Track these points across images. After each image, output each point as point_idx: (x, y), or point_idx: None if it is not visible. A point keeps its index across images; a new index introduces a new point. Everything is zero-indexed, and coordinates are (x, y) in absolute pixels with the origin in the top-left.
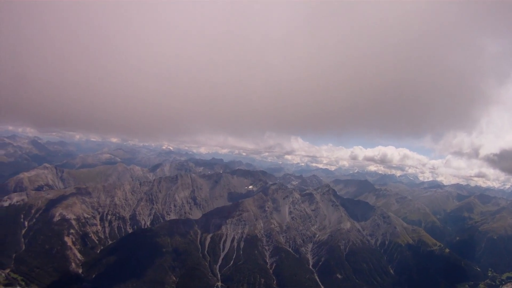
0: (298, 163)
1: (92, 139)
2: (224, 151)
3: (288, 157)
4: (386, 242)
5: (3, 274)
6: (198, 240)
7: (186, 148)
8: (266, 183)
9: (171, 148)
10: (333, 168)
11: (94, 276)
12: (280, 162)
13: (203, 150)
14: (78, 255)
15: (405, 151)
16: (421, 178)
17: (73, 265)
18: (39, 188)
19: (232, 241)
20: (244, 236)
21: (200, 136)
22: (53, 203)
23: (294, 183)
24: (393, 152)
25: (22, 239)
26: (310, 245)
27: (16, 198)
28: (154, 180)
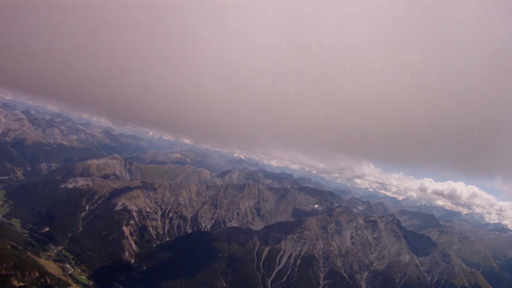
0: (366, 188)
1: (165, 137)
2: (295, 166)
3: (358, 180)
4: (442, 282)
5: (55, 250)
6: (256, 251)
7: (257, 158)
8: (332, 204)
9: (242, 156)
10: (400, 197)
11: (145, 268)
12: (349, 185)
13: (273, 162)
14: (134, 245)
15: (475, 189)
16: (486, 219)
17: (127, 254)
18: (105, 176)
19: (289, 257)
20: (302, 254)
21: (273, 149)
22: (117, 193)
23: (360, 208)
24: (463, 188)
25: (81, 222)
26: (365, 273)
27: (81, 182)
28: (221, 185)
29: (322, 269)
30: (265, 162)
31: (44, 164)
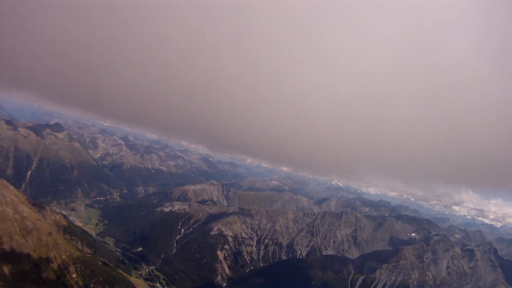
0: (464, 215)
1: (263, 165)
2: (393, 194)
3: (456, 207)
4: None
5: (146, 270)
6: (350, 280)
7: (355, 186)
8: (430, 233)
9: (341, 184)
10: (498, 224)
11: None
12: (447, 212)
13: (371, 190)
14: (227, 270)
15: None
16: None
17: (219, 278)
18: (202, 202)
19: (383, 286)
20: (396, 284)
21: (370, 177)
22: (213, 218)
23: (457, 236)
24: None
25: (175, 244)
26: None
27: (178, 206)
28: (318, 213)
29: None
30: (363, 190)
31: (141, 187)
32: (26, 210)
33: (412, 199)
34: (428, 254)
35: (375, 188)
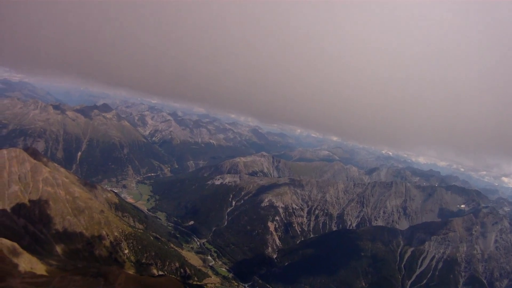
0: None
1: (312, 135)
2: (442, 163)
3: (505, 179)
4: None
5: (198, 243)
6: (399, 252)
7: (405, 155)
8: (479, 205)
9: (390, 153)
10: None
11: (286, 264)
12: (496, 184)
13: (421, 159)
14: (277, 241)
15: None
16: None
17: (269, 249)
18: (252, 174)
19: (431, 259)
20: (445, 257)
21: (420, 146)
22: (264, 189)
23: (506, 209)
24: None
25: (226, 216)
26: (505, 281)
27: (228, 179)
28: (368, 183)
29: (463, 273)
30: (413, 159)
31: (191, 162)
32: (77, 190)
33: (462, 169)
34: (477, 227)
35: (425, 157)
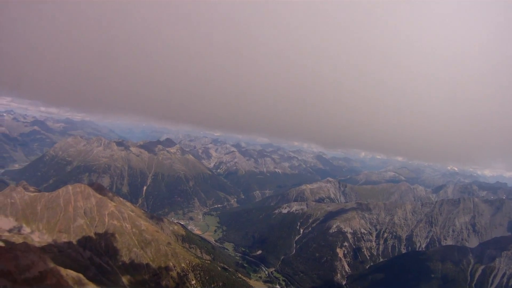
0: None
1: (377, 157)
2: (509, 174)
3: None
4: None
5: (266, 272)
6: (469, 271)
7: (471, 169)
8: None
9: (456, 169)
10: None
11: None
12: None
13: (487, 172)
14: (346, 267)
15: None
16: None
17: (338, 276)
18: (319, 200)
19: (502, 276)
20: None
21: (486, 158)
22: (331, 215)
23: None
24: None
25: (294, 244)
26: None
27: (295, 207)
28: (436, 202)
29: None
30: (479, 173)
31: (257, 191)
32: (144, 223)
33: None
34: None
35: (491, 169)
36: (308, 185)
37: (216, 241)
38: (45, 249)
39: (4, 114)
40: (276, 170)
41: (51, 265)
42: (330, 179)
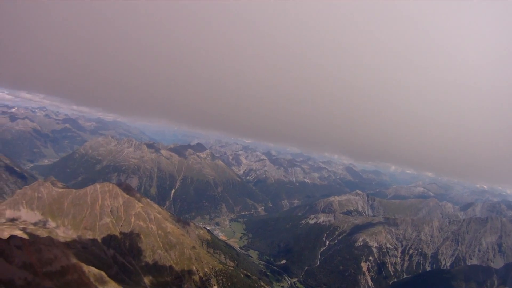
0: None
1: (407, 171)
2: None
3: None
4: None
5: (289, 282)
6: None
7: (500, 188)
8: None
9: (485, 187)
10: None
11: None
12: None
13: None
14: (369, 282)
15: None
16: None
17: None
18: (347, 213)
19: None
20: None
21: None
22: (358, 229)
23: None
24: None
25: (319, 256)
26: None
27: (323, 218)
28: (463, 220)
29: None
30: (508, 191)
31: (285, 200)
32: (170, 226)
33: None
34: None
35: None
36: (336, 197)
37: (241, 248)
38: (69, 245)
39: (37, 111)
40: (306, 180)
41: (74, 260)
42: (359, 192)
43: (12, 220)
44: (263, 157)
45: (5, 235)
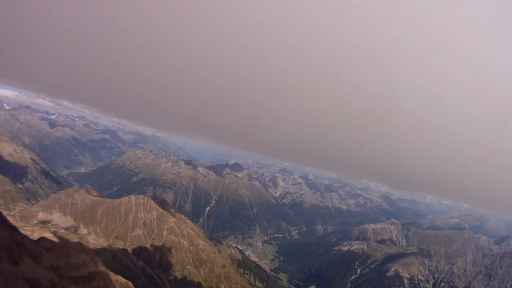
0: None
1: (443, 202)
2: None
3: None
4: None
5: None
6: None
7: None
8: None
9: None
10: None
11: None
12: None
13: None
14: None
15: None
16: None
17: None
18: (381, 241)
19: None
20: None
21: None
22: (391, 258)
23: None
24: None
25: (349, 284)
26: None
27: (356, 246)
28: (497, 254)
29: None
30: None
31: (320, 226)
32: (202, 243)
33: None
34: None
35: None
36: (371, 224)
37: (271, 270)
38: (98, 252)
39: (76, 119)
40: (341, 206)
41: (102, 268)
42: (394, 220)
43: (44, 222)
44: (300, 180)
45: (35, 236)
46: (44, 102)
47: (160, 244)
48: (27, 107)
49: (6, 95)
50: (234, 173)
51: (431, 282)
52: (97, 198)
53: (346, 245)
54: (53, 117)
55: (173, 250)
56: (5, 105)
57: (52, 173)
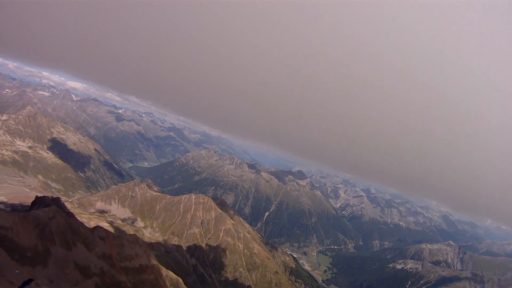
0: None
1: (502, 227)
2: None
3: None
4: None
5: None
6: None
7: None
8: None
9: None
10: None
11: None
12: None
13: None
14: None
15: None
16: None
17: None
18: (436, 262)
19: None
20: None
21: None
22: (443, 281)
23: None
24: None
25: None
26: None
27: (410, 265)
28: None
29: None
30: None
31: (377, 241)
32: (257, 247)
33: None
34: None
35: None
36: (428, 244)
37: (323, 281)
38: (152, 246)
39: (143, 115)
40: (400, 223)
41: (154, 262)
42: (451, 242)
43: (102, 212)
44: (362, 193)
45: (92, 224)
46: (112, 96)
47: (215, 244)
48: (95, 99)
49: (75, 86)
50: (297, 180)
51: None
52: (157, 193)
53: (400, 263)
54: (120, 111)
55: (227, 252)
56: (73, 96)
57: (115, 165)
